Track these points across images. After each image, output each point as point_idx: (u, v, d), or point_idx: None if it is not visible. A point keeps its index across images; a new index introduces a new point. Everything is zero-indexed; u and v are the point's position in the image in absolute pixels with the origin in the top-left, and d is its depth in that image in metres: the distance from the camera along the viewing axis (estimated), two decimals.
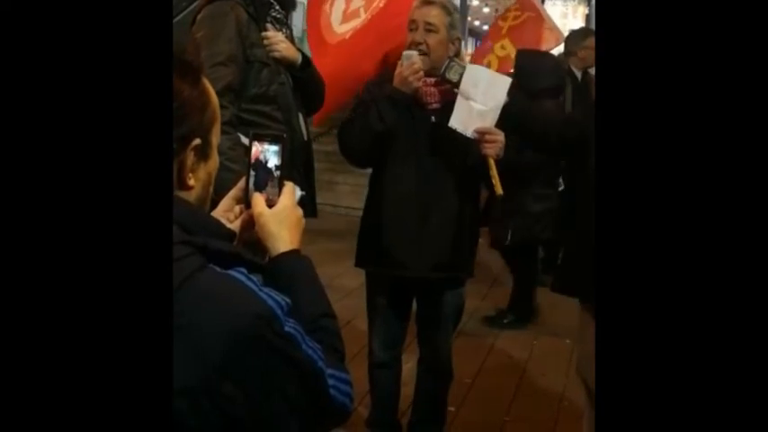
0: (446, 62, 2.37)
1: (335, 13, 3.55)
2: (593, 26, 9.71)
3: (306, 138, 2.63)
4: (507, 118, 2.37)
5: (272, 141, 1.21)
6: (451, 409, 3.02)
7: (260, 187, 1.20)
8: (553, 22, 5.20)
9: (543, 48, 5.22)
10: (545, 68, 4.00)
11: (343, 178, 7.12)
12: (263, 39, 2.47)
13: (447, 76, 2.36)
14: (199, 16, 2.45)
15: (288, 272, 1.16)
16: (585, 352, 2.34)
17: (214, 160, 1.12)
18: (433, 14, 2.42)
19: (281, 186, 1.20)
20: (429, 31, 2.41)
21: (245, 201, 1.21)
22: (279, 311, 1.00)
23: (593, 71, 5.12)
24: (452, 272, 2.57)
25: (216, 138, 1.12)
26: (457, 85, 2.36)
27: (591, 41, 4.96)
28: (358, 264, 2.67)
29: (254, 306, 0.98)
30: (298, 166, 2.55)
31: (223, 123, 2.31)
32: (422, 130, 2.47)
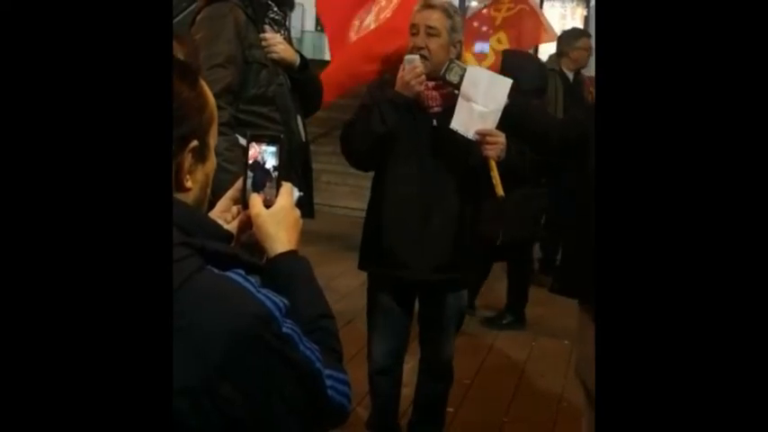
0: (446, 64, 2.37)
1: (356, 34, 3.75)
2: (590, 28, 9.72)
3: (304, 139, 2.63)
4: (507, 119, 2.37)
5: (270, 142, 1.21)
6: (450, 409, 3.02)
7: (258, 188, 1.20)
8: (547, 21, 5.20)
9: (543, 42, 5.22)
10: (529, 70, 4.00)
11: (341, 179, 7.12)
12: (261, 40, 2.47)
13: (447, 77, 2.36)
14: (198, 17, 2.45)
15: (286, 272, 1.16)
16: (584, 353, 2.34)
17: (211, 162, 1.12)
18: (435, 18, 2.42)
19: (278, 187, 1.20)
20: (430, 34, 2.42)
21: (243, 201, 1.21)
22: (277, 312, 1.00)
23: (585, 72, 5.14)
24: (454, 273, 2.57)
25: (213, 139, 1.12)
26: (457, 86, 2.36)
27: (583, 42, 4.97)
28: (361, 266, 2.67)
29: (251, 307, 0.98)
30: (296, 167, 2.55)
31: (221, 125, 2.32)
32: (423, 132, 2.48)
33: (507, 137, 2.38)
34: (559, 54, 4.97)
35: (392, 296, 2.63)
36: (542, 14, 5.24)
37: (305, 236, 1.24)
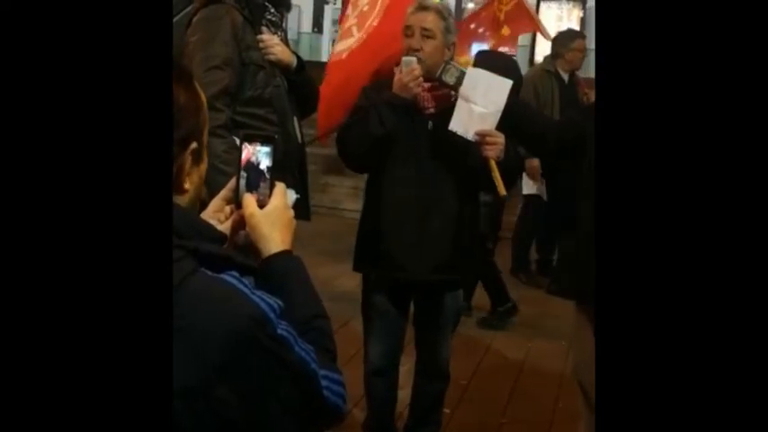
0: (442, 65, 2.38)
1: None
2: (586, 29, 9.73)
3: (300, 140, 2.63)
4: (505, 120, 2.38)
5: (264, 142, 1.21)
6: (447, 410, 3.02)
7: (251, 188, 1.20)
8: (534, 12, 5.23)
9: (536, 29, 5.22)
10: (503, 68, 4.00)
11: (338, 181, 7.13)
12: (258, 42, 2.47)
13: (444, 78, 2.37)
14: (194, 19, 2.45)
15: (280, 272, 1.16)
16: (581, 354, 2.34)
17: (205, 163, 1.12)
18: (429, 20, 2.42)
19: (272, 187, 1.20)
20: (425, 36, 2.42)
21: (236, 201, 1.21)
22: (271, 314, 1.00)
23: (580, 74, 5.14)
24: (453, 274, 2.58)
25: (206, 141, 1.12)
26: (454, 87, 2.36)
27: (578, 44, 4.97)
28: (356, 268, 2.67)
29: (246, 309, 0.98)
30: (292, 169, 2.56)
31: (218, 127, 2.35)
32: (421, 134, 2.48)
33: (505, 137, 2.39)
34: (554, 55, 4.97)
35: (388, 297, 2.63)
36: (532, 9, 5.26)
37: (302, 238, 1.24)
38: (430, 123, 2.47)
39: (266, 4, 2.55)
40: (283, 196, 1.21)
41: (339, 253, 4.41)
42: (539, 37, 7.65)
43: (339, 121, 3.11)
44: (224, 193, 1.24)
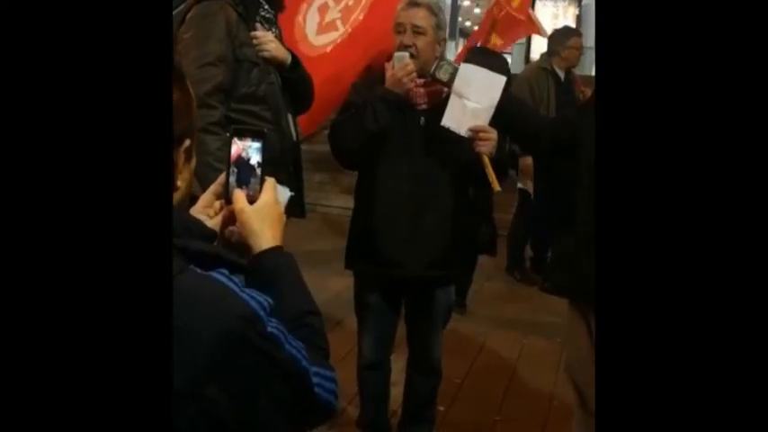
0: (436, 62, 2.38)
1: (310, 24, 3.54)
2: (582, 27, 9.74)
3: (294, 138, 2.62)
4: (499, 118, 2.38)
5: (255, 138, 1.20)
6: (441, 408, 3.03)
7: (242, 183, 1.19)
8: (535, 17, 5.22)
9: (530, 33, 5.20)
10: (493, 66, 4.00)
11: (333, 178, 7.12)
12: (252, 38, 2.46)
13: (437, 75, 2.37)
14: (188, 16, 2.44)
15: (271, 268, 1.16)
16: (574, 352, 2.34)
17: (194, 160, 1.12)
18: (420, 16, 2.42)
19: (262, 183, 1.19)
20: (417, 33, 2.42)
21: (226, 197, 1.20)
22: (262, 312, 0.99)
23: (576, 71, 5.14)
24: (447, 269, 2.59)
25: (197, 138, 1.12)
26: (447, 84, 2.36)
27: (574, 41, 4.97)
28: (348, 266, 2.66)
29: (236, 307, 0.97)
30: (287, 167, 2.55)
31: (212, 124, 2.34)
32: (413, 129, 2.48)
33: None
34: (551, 53, 4.97)
35: (381, 293, 2.63)
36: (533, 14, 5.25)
37: (297, 235, 1.23)
38: (422, 119, 2.47)
39: (260, 0, 2.55)
40: (274, 192, 1.20)
41: (331, 251, 4.40)
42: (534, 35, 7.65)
43: (326, 116, 3.08)
44: (214, 187, 1.23)
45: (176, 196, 1.07)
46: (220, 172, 1.23)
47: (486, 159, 2.35)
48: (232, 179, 1.19)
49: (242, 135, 1.20)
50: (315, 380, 1.05)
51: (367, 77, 2.69)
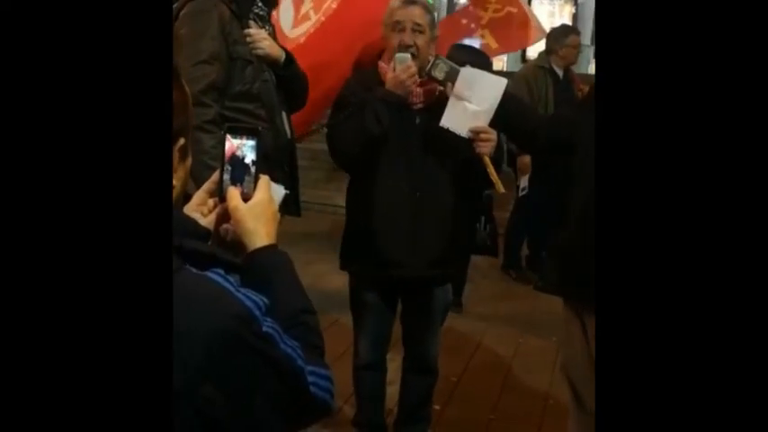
0: (431, 60, 2.37)
1: (285, 18, 3.52)
2: (579, 25, 9.75)
3: (289, 136, 2.62)
4: (498, 117, 2.37)
5: (249, 136, 1.19)
6: (437, 407, 3.02)
7: (236, 181, 1.18)
8: (537, 20, 5.21)
9: (533, 43, 5.19)
10: (476, 65, 3.99)
11: (329, 177, 7.11)
12: (245, 36, 2.45)
13: (433, 74, 2.36)
14: (181, 13, 2.43)
15: (266, 266, 1.15)
16: (570, 351, 2.34)
17: (189, 159, 1.11)
18: (418, 14, 2.42)
19: (256, 180, 1.19)
20: (417, 31, 2.41)
21: (220, 194, 1.20)
22: (257, 312, 0.99)
23: (574, 69, 5.14)
24: (446, 268, 2.58)
25: (191, 137, 1.11)
26: (442, 83, 2.36)
27: (572, 39, 4.98)
28: (344, 266, 2.65)
29: (231, 307, 0.97)
30: (282, 165, 2.54)
31: (207, 122, 2.33)
32: (411, 130, 2.47)
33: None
34: (548, 51, 4.97)
35: (378, 293, 2.62)
36: (531, 14, 5.25)
37: (293, 234, 1.23)
38: (417, 118, 2.46)
39: None
40: (268, 189, 1.19)
41: (328, 250, 4.40)
42: None
43: (311, 112, 3.05)
44: (207, 185, 1.23)
45: (172, 195, 1.06)
46: (215, 170, 1.22)
47: (487, 160, 2.34)
48: (226, 177, 1.19)
49: (236, 133, 1.19)
50: (310, 379, 1.05)
51: (360, 73, 2.68)
